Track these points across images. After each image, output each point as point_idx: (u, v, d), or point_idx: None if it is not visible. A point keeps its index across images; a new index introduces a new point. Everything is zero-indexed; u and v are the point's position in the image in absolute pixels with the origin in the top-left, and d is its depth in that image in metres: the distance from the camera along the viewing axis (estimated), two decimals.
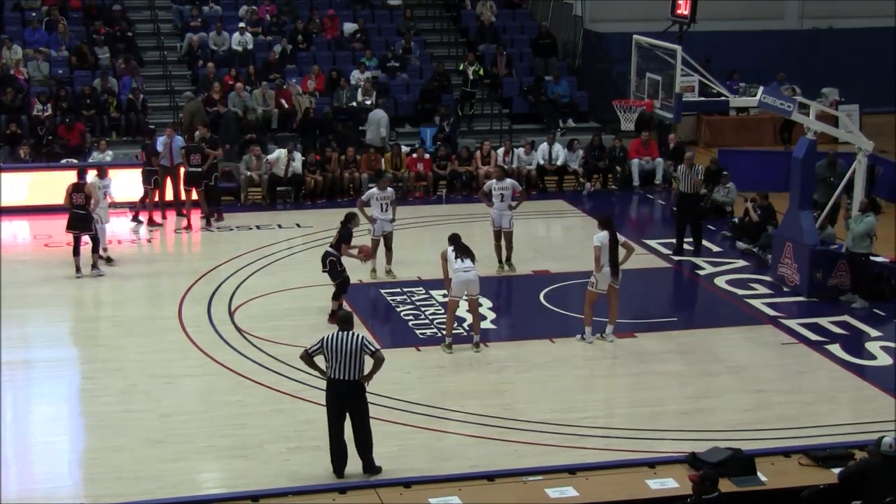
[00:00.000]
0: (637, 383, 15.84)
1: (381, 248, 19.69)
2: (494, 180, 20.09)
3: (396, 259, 20.00)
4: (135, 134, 25.45)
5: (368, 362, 12.68)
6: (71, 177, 23.68)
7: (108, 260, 20.29)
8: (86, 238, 19.87)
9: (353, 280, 18.27)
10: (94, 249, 19.90)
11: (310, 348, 12.73)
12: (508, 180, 20.22)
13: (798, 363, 16.62)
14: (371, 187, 20.30)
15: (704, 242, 22.13)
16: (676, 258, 21.22)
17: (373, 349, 12.62)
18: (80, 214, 19.67)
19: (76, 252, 19.77)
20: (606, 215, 17.57)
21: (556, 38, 30.04)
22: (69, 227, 19.79)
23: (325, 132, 26.21)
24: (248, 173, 24.65)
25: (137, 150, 23.92)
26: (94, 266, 19.87)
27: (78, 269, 19.69)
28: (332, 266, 17.47)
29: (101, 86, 26.05)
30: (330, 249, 17.57)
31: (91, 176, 20.18)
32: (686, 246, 21.43)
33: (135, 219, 22.65)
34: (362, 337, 12.67)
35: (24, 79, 26.06)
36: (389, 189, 19.91)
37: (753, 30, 32.13)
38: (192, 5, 29.04)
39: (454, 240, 16.76)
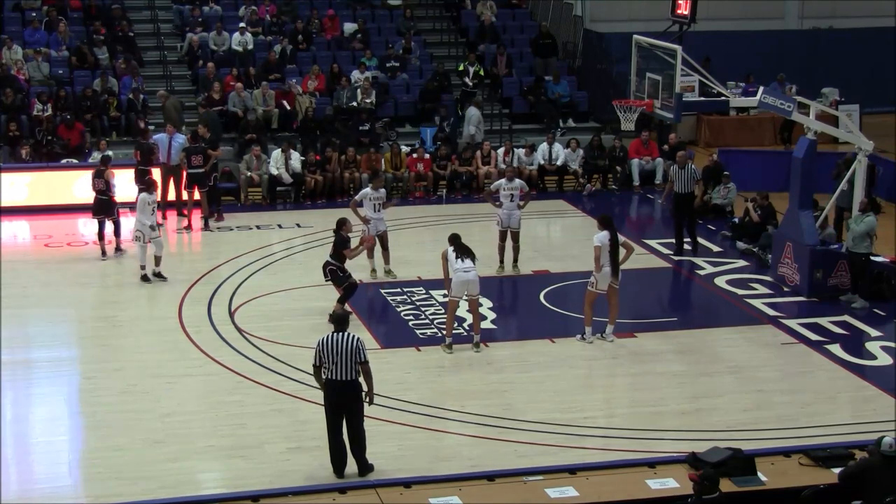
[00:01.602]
0: (637, 383, 15.84)
1: (378, 249, 19.67)
2: (504, 180, 20.09)
3: (396, 259, 20.01)
4: (135, 134, 25.44)
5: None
6: (71, 177, 23.99)
7: (146, 278, 19.48)
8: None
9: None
10: (116, 233, 20.91)
11: (315, 359, 12.74)
12: (518, 180, 20.26)
13: (798, 363, 16.62)
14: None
15: (705, 242, 22.15)
16: (677, 258, 21.21)
17: (362, 359, 12.61)
18: (102, 199, 20.68)
19: (101, 237, 20.74)
20: (606, 215, 17.55)
21: (556, 38, 30.04)
22: (93, 213, 20.86)
23: (325, 132, 26.21)
24: (248, 173, 24.66)
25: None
26: (118, 248, 20.93)
27: (103, 253, 20.68)
28: (333, 274, 17.45)
29: (101, 86, 26.06)
30: (329, 259, 17.55)
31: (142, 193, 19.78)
32: (686, 246, 21.44)
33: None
34: (357, 339, 12.66)
35: (24, 79, 26.06)
36: (382, 189, 19.91)
37: (753, 30, 32.18)
38: (192, 5, 29.04)
39: (454, 240, 16.76)
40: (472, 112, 26.78)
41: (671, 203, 21.68)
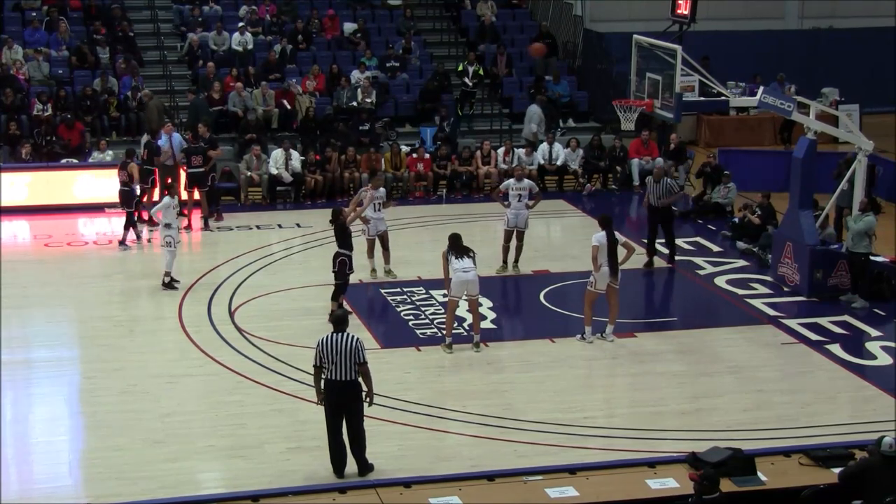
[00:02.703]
0: (637, 383, 15.84)
1: (379, 249, 19.66)
2: (513, 180, 20.11)
3: (396, 258, 20.00)
4: (135, 134, 25.44)
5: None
6: (70, 177, 24.02)
7: (171, 284, 19.07)
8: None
9: (353, 280, 18.26)
10: (126, 227, 21.40)
11: (315, 360, 12.74)
12: (527, 181, 20.27)
13: (798, 363, 16.62)
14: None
15: (704, 242, 22.18)
16: (646, 268, 20.47)
17: (362, 360, 12.61)
18: (125, 191, 21.51)
19: (133, 225, 21.54)
20: (606, 215, 17.56)
21: (556, 38, 30.04)
22: (120, 204, 21.64)
23: (326, 132, 26.20)
24: (248, 173, 24.65)
25: (138, 150, 23.91)
26: (122, 242, 21.40)
27: (138, 237, 21.68)
28: (342, 265, 17.43)
29: (101, 86, 26.05)
30: (340, 250, 17.51)
31: (166, 198, 19.60)
32: (679, 250, 21.24)
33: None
34: (357, 339, 12.66)
35: (24, 79, 26.05)
36: (382, 189, 19.89)
37: (753, 30, 32.17)
38: (192, 5, 29.05)
39: (453, 239, 16.74)
40: (534, 110, 26.84)
41: (647, 212, 20.98)
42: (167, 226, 19.14)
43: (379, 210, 19.51)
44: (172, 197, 19.64)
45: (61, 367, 16.30)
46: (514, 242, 20.10)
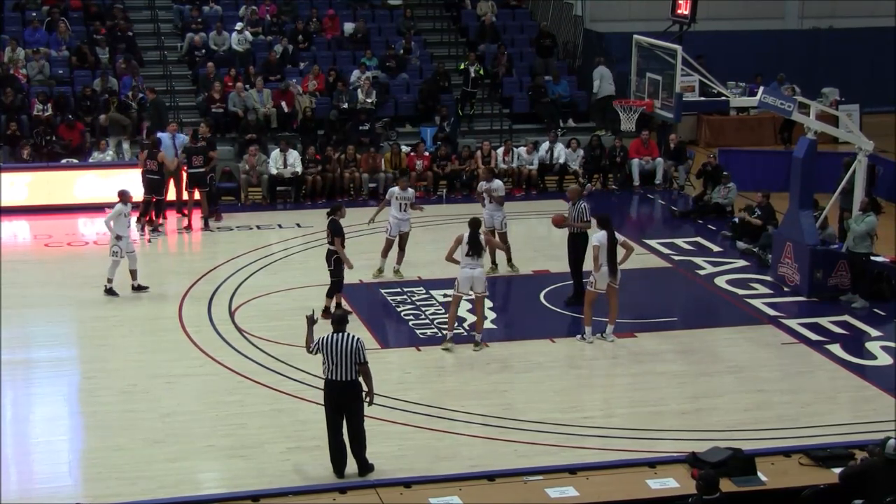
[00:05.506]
0: (637, 383, 15.84)
1: (394, 248, 19.64)
2: (484, 181, 20.15)
3: None
4: (135, 134, 25.42)
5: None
6: (70, 176, 24.00)
7: (112, 291, 18.75)
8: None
9: (354, 280, 18.25)
10: (157, 213, 22.34)
11: (310, 348, 12.82)
12: (496, 182, 20.24)
13: (798, 363, 16.62)
14: (393, 186, 20.40)
15: (704, 242, 22.14)
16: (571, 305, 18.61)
17: (362, 359, 12.62)
18: (154, 179, 22.12)
19: (158, 214, 22.40)
20: (605, 215, 17.55)
21: (556, 38, 30.04)
22: (145, 192, 22.08)
23: (329, 132, 26.17)
24: (247, 168, 24.62)
25: (136, 149, 23.90)
26: (155, 229, 22.20)
27: (155, 229, 22.23)
28: (338, 264, 17.43)
29: (101, 86, 26.04)
30: (332, 248, 17.52)
31: (119, 205, 18.67)
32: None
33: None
34: (358, 339, 12.68)
35: (24, 79, 26.02)
36: (410, 190, 19.91)
37: (753, 30, 32.17)
38: (192, 5, 29.03)
39: (473, 226, 16.61)
40: (603, 71, 27.72)
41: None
42: (118, 237, 18.45)
43: (405, 210, 19.53)
44: (126, 204, 18.74)
45: (61, 367, 16.31)
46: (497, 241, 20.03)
